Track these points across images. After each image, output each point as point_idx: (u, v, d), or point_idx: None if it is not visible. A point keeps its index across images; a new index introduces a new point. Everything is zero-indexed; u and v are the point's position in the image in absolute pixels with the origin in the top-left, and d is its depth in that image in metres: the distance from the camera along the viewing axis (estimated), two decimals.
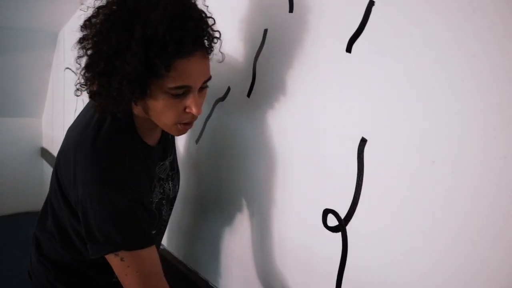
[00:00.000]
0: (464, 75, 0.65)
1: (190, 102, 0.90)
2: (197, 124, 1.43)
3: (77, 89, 0.92)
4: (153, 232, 1.10)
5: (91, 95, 0.92)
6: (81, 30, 0.89)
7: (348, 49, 0.84)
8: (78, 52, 0.89)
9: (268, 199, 1.10)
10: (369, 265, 0.82)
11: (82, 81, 0.90)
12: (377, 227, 0.80)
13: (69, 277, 1.12)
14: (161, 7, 0.81)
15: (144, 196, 0.99)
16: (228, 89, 1.25)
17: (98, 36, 0.84)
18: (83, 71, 0.88)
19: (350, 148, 0.84)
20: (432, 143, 0.69)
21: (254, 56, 1.12)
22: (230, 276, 1.29)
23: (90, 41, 0.86)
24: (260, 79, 1.12)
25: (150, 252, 0.95)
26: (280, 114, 1.05)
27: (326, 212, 0.91)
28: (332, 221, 0.89)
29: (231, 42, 1.24)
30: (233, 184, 1.25)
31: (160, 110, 0.91)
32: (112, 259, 0.93)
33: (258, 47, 1.11)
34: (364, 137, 0.81)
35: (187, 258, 1.54)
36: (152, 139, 1.07)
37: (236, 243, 1.26)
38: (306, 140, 0.97)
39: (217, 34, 0.96)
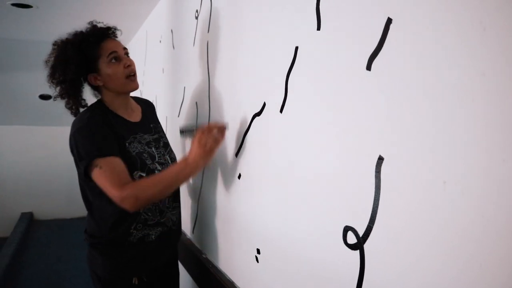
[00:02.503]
0: (474, 95, 0.63)
1: (125, 61, 1.57)
2: (236, 138, 1.47)
3: (54, 98, 1.60)
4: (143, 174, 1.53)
5: (58, 97, 1.58)
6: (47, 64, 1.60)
7: (368, 67, 0.84)
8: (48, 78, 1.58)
9: (295, 212, 1.10)
10: (385, 284, 0.80)
11: (56, 92, 1.57)
12: (394, 246, 0.78)
13: (99, 242, 1.57)
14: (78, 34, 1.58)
15: (108, 131, 1.48)
16: (264, 104, 1.28)
17: (53, 61, 1.57)
18: (51, 83, 1.57)
19: (368, 166, 0.83)
20: (443, 163, 0.68)
21: (286, 72, 1.15)
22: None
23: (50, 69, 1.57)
24: (291, 95, 1.13)
25: (119, 160, 1.42)
26: (307, 131, 1.06)
27: (347, 229, 0.90)
28: (351, 238, 0.89)
29: (265, 58, 1.27)
30: (267, 196, 1.27)
31: (113, 74, 1.54)
32: (95, 172, 1.39)
33: (290, 63, 1.13)
34: (381, 155, 0.81)
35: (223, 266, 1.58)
36: (128, 115, 1.63)
37: (263, 257, 1.27)
38: (328, 156, 0.97)
39: (118, 31, 1.67)
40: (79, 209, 4.69)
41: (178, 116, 2.31)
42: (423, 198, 0.72)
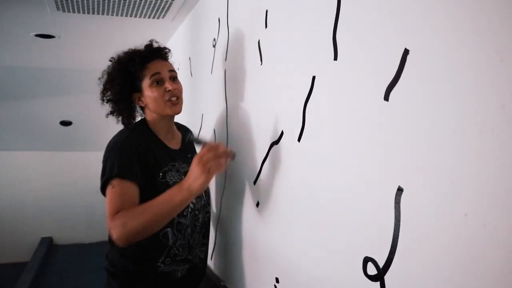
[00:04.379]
0: (494, 127, 0.63)
1: (166, 84, 1.53)
2: (254, 167, 1.47)
3: (107, 116, 1.61)
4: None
5: (110, 114, 1.61)
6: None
7: (386, 97, 0.84)
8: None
9: (314, 241, 1.10)
10: None
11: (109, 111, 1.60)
12: (415, 278, 0.77)
13: (120, 271, 1.52)
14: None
15: (137, 156, 1.44)
16: (282, 133, 1.29)
17: (104, 78, 1.61)
18: (102, 100, 1.60)
19: (388, 197, 0.83)
20: (464, 195, 0.67)
21: (304, 102, 1.16)
22: None
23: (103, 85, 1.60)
24: (309, 124, 1.14)
25: (134, 188, 1.38)
26: (325, 160, 1.06)
27: (367, 260, 0.89)
28: (371, 269, 0.88)
29: (283, 87, 1.29)
30: (285, 225, 1.26)
31: (152, 97, 1.53)
32: (108, 190, 1.37)
33: (307, 93, 1.14)
34: (401, 186, 0.80)
35: None
36: (168, 141, 1.61)
37: (282, 287, 1.26)
38: (347, 186, 0.97)
39: (167, 50, 1.67)
40: (98, 234, 4.79)
41: None
42: (444, 230, 0.71)
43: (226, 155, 1.27)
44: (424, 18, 0.76)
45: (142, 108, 1.62)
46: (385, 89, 0.85)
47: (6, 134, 4.86)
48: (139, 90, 1.55)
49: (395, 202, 0.81)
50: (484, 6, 0.65)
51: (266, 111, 1.41)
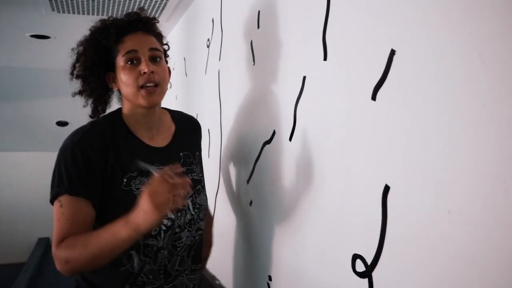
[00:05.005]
0: (476, 126, 0.64)
1: (142, 65, 1.18)
2: (248, 166, 1.49)
3: (73, 95, 1.28)
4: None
5: (79, 94, 1.27)
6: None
7: (373, 97, 0.86)
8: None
9: (305, 239, 1.11)
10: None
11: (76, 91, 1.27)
12: (401, 276, 0.79)
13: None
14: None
15: (97, 164, 1.15)
16: (274, 132, 1.30)
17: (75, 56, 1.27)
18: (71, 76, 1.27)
19: (376, 195, 0.84)
20: (448, 193, 0.69)
21: (295, 101, 1.17)
22: None
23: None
24: (300, 124, 1.16)
25: (87, 207, 1.13)
26: (315, 159, 1.07)
27: (355, 257, 0.91)
28: (360, 266, 0.89)
29: (275, 87, 1.30)
30: (278, 223, 1.28)
31: (124, 80, 1.19)
32: (55, 207, 1.12)
33: (298, 92, 1.16)
34: (388, 184, 0.82)
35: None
36: (149, 137, 1.27)
37: (275, 284, 1.27)
38: (337, 184, 0.98)
39: (154, 20, 1.28)
40: None
41: None
42: (429, 227, 0.72)
43: (182, 186, 1.01)
44: (410, 20, 0.77)
45: (119, 93, 1.29)
46: (372, 89, 0.86)
47: (2, 135, 4.86)
48: (113, 68, 1.22)
49: (382, 200, 0.83)
50: (466, 10, 0.66)
51: (258, 110, 1.42)
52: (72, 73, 1.26)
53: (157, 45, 1.24)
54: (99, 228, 1.08)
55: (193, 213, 1.26)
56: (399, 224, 0.79)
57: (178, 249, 1.24)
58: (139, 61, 1.18)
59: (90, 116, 1.28)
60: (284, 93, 1.24)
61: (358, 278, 0.90)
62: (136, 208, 1.00)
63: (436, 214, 0.71)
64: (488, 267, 0.62)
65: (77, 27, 2.98)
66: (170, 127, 1.34)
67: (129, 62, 1.18)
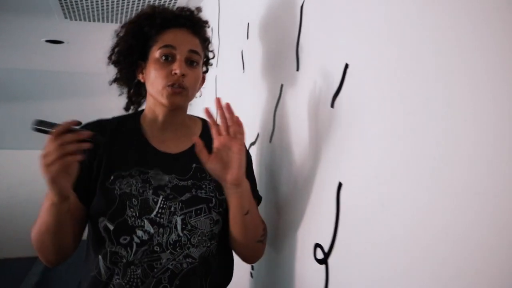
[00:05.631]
0: (416, 127, 0.76)
1: (175, 64, 1.09)
2: None
3: (110, 83, 1.22)
4: (111, 226, 1.04)
5: (114, 82, 1.21)
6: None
7: (332, 105, 0.98)
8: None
9: (281, 231, 1.24)
10: None
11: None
12: (351, 261, 0.90)
13: None
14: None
15: (99, 150, 1.08)
16: (258, 135, 1.43)
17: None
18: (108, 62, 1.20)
19: (332, 190, 0.96)
20: (387, 189, 0.80)
21: (274, 107, 1.29)
22: None
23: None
24: (278, 127, 1.28)
25: (73, 198, 1.02)
26: (289, 159, 1.19)
27: (316, 246, 1.03)
28: (319, 254, 1.01)
29: (258, 94, 1.43)
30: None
31: (153, 75, 1.10)
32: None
33: (277, 99, 1.28)
34: (341, 181, 0.94)
35: None
36: (161, 141, 1.15)
37: (257, 273, 1.39)
38: (305, 181, 1.10)
39: (204, 23, 1.21)
40: None
41: None
42: (373, 219, 0.84)
43: (77, 143, 0.88)
44: (360, 38, 0.89)
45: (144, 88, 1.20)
46: (331, 97, 0.98)
47: (18, 134, 5.07)
48: (145, 58, 1.15)
49: (336, 195, 0.95)
50: (403, 27, 0.78)
51: (246, 114, 1.55)
52: (110, 58, 1.18)
53: (199, 49, 1.15)
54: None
55: (180, 234, 1.06)
56: (350, 216, 0.91)
57: (155, 270, 1.04)
58: (173, 59, 1.10)
59: (124, 109, 1.23)
60: (266, 99, 1.36)
61: (318, 264, 1.02)
62: None
63: (377, 208, 0.82)
64: (421, 252, 0.74)
65: (89, 32, 3.17)
66: (192, 135, 1.16)
67: (163, 58, 1.10)
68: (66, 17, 2.66)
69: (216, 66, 1.98)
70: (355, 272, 0.88)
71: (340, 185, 0.94)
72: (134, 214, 1.04)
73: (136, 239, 1.04)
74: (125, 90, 1.22)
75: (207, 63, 1.28)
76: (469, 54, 0.60)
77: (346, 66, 0.93)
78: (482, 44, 0.58)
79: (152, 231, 1.05)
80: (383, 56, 0.83)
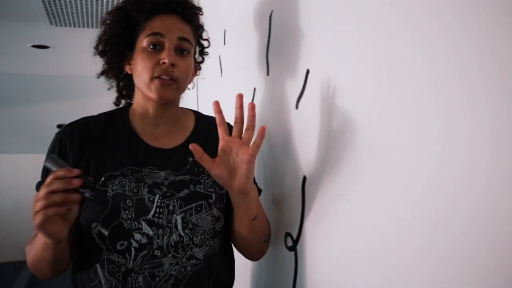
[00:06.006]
0: (374, 128, 0.86)
1: (163, 53, 1.00)
2: None
3: (97, 76, 1.13)
4: (106, 232, 0.95)
5: (102, 74, 1.12)
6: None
7: (296, 106, 1.08)
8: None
9: None
10: (312, 276, 1.02)
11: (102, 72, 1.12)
12: (316, 247, 1.01)
13: None
14: None
15: (86, 148, 1.01)
16: None
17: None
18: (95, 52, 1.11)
19: (298, 184, 1.07)
20: (338, 180, 0.91)
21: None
22: None
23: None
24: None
25: None
26: (261, 157, 1.30)
27: (286, 235, 1.13)
28: (289, 242, 1.12)
29: (234, 97, 1.52)
30: None
31: (139, 66, 1.01)
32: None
33: (250, 101, 1.38)
34: (305, 175, 1.04)
35: None
36: (153, 136, 1.08)
37: (240, 262, 1.49)
38: (277, 175, 1.21)
39: (197, 10, 1.13)
40: None
41: None
42: (327, 207, 0.94)
43: (65, 193, 0.82)
44: (319, 46, 1.00)
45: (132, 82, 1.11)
46: (296, 99, 1.08)
47: (6, 138, 5.11)
48: (131, 48, 1.06)
49: (301, 188, 1.05)
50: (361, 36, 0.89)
51: (225, 114, 1.65)
52: (96, 48, 1.09)
53: (190, 37, 1.07)
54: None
55: (182, 234, 0.98)
56: (313, 207, 1.01)
57: (157, 279, 0.96)
58: (162, 48, 1.01)
59: (115, 104, 1.15)
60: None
61: (288, 251, 1.12)
62: None
63: (330, 197, 0.93)
64: (378, 243, 0.84)
65: (74, 37, 3.24)
66: (186, 129, 1.13)
67: (151, 46, 1.01)
68: (51, 23, 2.74)
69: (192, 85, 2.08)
70: (319, 256, 0.99)
71: (304, 178, 1.04)
72: (129, 216, 0.95)
73: (134, 244, 0.95)
74: (114, 83, 1.13)
75: (202, 52, 1.22)
76: (419, 55, 0.71)
77: (307, 71, 1.04)
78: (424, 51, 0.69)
79: (151, 233, 0.96)
80: (339, 62, 0.93)
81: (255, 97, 1.35)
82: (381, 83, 0.77)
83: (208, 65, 1.86)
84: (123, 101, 1.17)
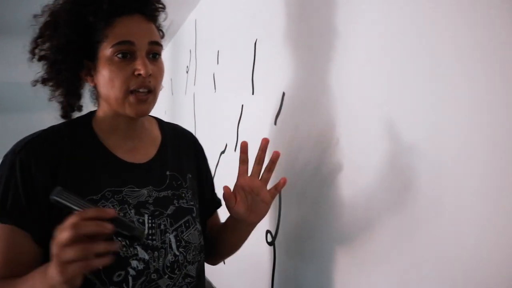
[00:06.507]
0: (340, 133, 1.06)
1: (138, 63, 0.86)
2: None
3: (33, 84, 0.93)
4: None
5: (41, 83, 0.93)
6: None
7: (275, 123, 1.28)
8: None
9: None
10: (288, 268, 1.21)
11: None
12: (290, 243, 1.20)
13: None
14: None
15: (41, 180, 0.84)
16: (226, 145, 1.72)
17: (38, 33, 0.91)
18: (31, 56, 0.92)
19: None
20: (303, 183, 1.10)
21: (237, 122, 1.59)
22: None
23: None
24: (240, 139, 1.57)
25: (23, 240, 0.82)
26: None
27: (267, 232, 1.32)
28: (269, 238, 1.31)
29: (226, 112, 1.72)
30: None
31: (108, 79, 0.87)
32: None
33: (239, 116, 1.57)
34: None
35: None
36: (125, 150, 0.96)
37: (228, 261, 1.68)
38: None
39: (160, 5, 0.97)
40: None
41: None
42: (300, 205, 1.13)
43: (105, 242, 0.68)
44: (296, 72, 1.19)
45: (95, 91, 0.97)
46: (274, 117, 1.28)
47: (8, 144, 5.30)
48: (92, 57, 0.90)
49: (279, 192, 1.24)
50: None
51: (217, 127, 1.84)
52: (32, 52, 0.91)
53: (159, 38, 0.95)
54: None
55: (177, 253, 0.93)
56: (288, 207, 1.20)
57: None
58: (133, 56, 0.87)
59: (62, 117, 0.96)
60: (231, 116, 1.66)
61: (268, 246, 1.31)
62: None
63: (301, 197, 1.12)
64: (342, 237, 1.03)
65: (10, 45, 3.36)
66: (155, 139, 1.04)
67: (119, 55, 0.86)
68: None
69: (194, 84, 2.28)
70: (293, 249, 1.18)
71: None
72: (123, 243, 0.85)
73: (131, 272, 0.86)
74: (58, 93, 0.94)
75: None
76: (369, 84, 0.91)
77: (283, 94, 1.23)
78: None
79: (147, 257, 0.87)
80: (311, 85, 1.12)
81: (242, 113, 1.55)
82: (339, 101, 0.97)
83: (204, 81, 2.06)
84: (71, 114, 0.98)
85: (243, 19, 1.56)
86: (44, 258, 0.79)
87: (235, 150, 1.62)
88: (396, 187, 0.80)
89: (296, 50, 1.18)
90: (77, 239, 0.65)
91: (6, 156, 0.86)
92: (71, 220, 0.66)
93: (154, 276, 0.88)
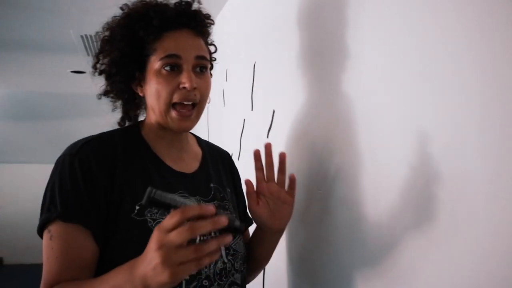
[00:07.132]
0: (327, 141, 1.24)
1: (183, 76, 0.90)
2: None
3: (99, 96, 1.02)
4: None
5: (105, 95, 1.01)
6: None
7: (267, 136, 1.47)
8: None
9: None
10: (275, 271, 1.40)
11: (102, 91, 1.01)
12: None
13: None
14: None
15: (100, 180, 0.87)
16: (231, 154, 1.92)
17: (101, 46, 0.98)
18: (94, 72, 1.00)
19: None
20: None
21: (240, 135, 1.79)
22: None
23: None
24: (243, 149, 1.77)
25: (84, 237, 0.83)
26: (249, 175, 1.68)
27: None
28: None
29: (231, 125, 1.92)
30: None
31: (155, 90, 0.91)
32: (44, 239, 0.84)
33: (241, 129, 1.77)
34: None
35: None
36: (173, 159, 1.00)
37: None
38: None
39: (209, 21, 1.01)
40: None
41: None
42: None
43: (219, 241, 0.67)
44: (284, 92, 1.38)
45: (144, 101, 1.01)
46: (267, 131, 1.47)
47: (46, 149, 5.67)
48: (142, 69, 0.95)
49: None
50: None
51: (225, 138, 2.05)
52: (94, 67, 0.98)
53: (206, 52, 0.98)
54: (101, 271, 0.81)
55: (225, 261, 0.94)
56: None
57: None
58: (180, 70, 0.91)
59: (119, 124, 1.04)
60: (235, 128, 1.86)
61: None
62: (143, 256, 0.70)
63: (310, 190, 1.31)
64: (334, 234, 1.21)
65: None
66: (197, 153, 1.08)
67: (167, 68, 0.91)
68: (88, 54, 3.21)
69: (209, 102, 2.49)
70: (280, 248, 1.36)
71: None
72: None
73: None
74: (118, 104, 1.02)
75: (210, 58, 1.05)
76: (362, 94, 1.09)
77: (274, 111, 1.43)
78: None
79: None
80: (297, 104, 1.31)
81: (244, 126, 1.75)
82: (326, 115, 1.16)
83: (216, 96, 2.28)
84: (127, 122, 1.06)
85: (245, 43, 1.77)
86: (100, 258, 0.85)
87: (238, 159, 1.82)
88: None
89: (285, 74, 1.38)
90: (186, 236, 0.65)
91: (61, 159, 0.88)
92: (175, 219, 0.65)
93: (205, 282, 0.89)
